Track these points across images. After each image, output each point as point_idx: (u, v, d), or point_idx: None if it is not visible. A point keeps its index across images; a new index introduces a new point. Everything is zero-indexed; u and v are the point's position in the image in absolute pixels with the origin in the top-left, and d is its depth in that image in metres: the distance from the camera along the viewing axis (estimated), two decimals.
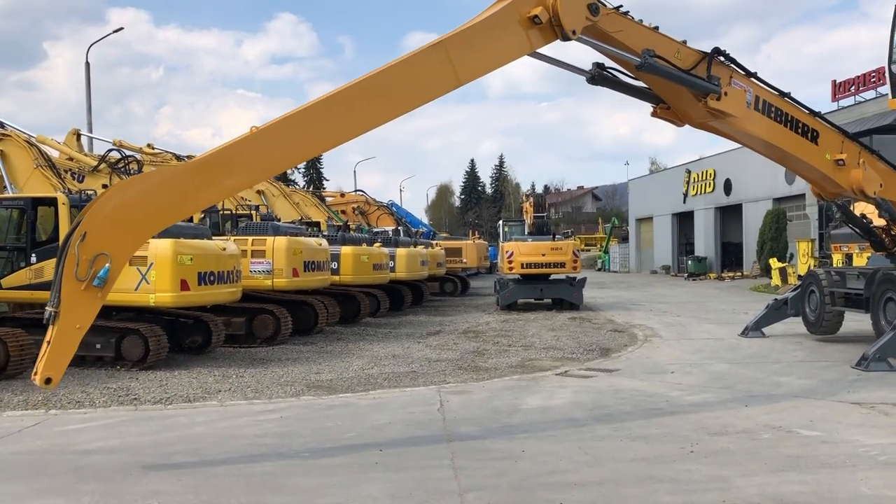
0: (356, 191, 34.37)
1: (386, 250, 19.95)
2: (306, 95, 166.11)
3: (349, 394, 9.66)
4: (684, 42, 9.42)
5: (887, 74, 12.21)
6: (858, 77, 33.06)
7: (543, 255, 21.52)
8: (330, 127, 6.92)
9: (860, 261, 19.13)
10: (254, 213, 18.04)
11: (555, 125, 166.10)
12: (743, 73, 10.23)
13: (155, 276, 11.32)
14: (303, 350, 13.78)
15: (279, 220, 17.52)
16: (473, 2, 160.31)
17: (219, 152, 6.62)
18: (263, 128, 6.69)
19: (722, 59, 9.71)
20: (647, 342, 14.61)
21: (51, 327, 5.97)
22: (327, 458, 6.71)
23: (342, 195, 33.57)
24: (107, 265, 5.97)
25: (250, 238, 14.77)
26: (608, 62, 9.09)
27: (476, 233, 44.46)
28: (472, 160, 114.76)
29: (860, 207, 13.37)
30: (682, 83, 9.17)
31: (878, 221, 12.89)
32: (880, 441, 6.91)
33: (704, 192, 48.31)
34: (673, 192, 52.74)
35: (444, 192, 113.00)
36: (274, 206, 21.59)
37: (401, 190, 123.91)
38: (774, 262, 31.66)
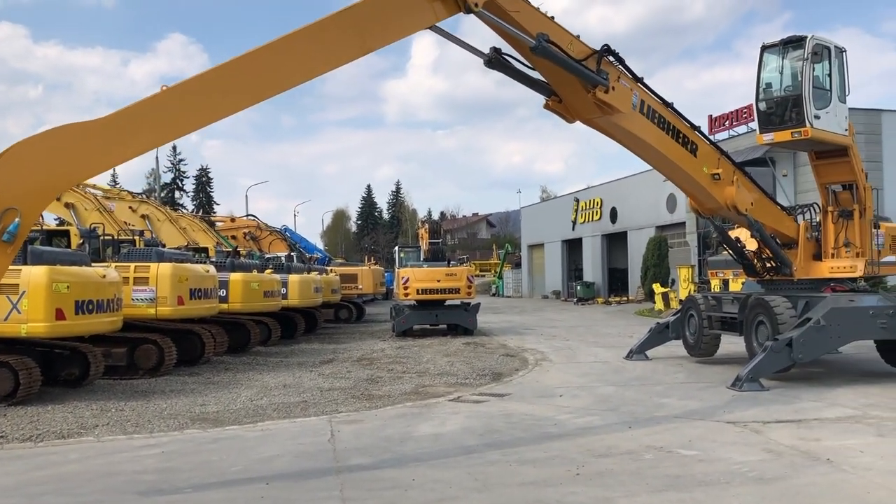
0: (248, 215, 33.62)
1: (277, 277, 19.56)
2: None
3: (236, 426, 9.36)
4: (577, 36, 9.92)
5: (755, 111, 13.01)
6: (732, 113, 35.11)
7: (439, 281, 21.67)
8: (242, 86, 6.86)
9: (736, 286, 20.24)
10: (137, 238, 17.34)
11: (451, 152, 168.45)
12: (630, 76, 10.82)
13: (27, 304, 10.66)
14: (188, 381, 13.28)
15: (164, 246, 16.90)
16: None
17: (129, 109, 6.43)
18: (175, 86, 6.57)
19: (612, 58, 10.27)
20: (537, 366, 14.89)
21: None
22: (211, 493, 6.47)
23: (233, 220, 32.74)
24: (16, 220, 5.85)
25: (133, 264, 14.15)
26: (506, 48, 9.46)
27: (372, 259, 44.25)
28: (369, 186, 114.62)
29: (736, 233, 14.19)
30: (572, 71, 9.59)
31: (751, 245, 13.72)
32: (751, 458, 7.28)
33: (592, 219, 49.99)
34: (562, 219, 54.32)
35: (340, 217, 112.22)
36: (159, 231, 20.83)
37: (295, 215, 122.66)
38: (657, 288, 33.04)
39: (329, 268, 30.31)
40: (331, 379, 13.49)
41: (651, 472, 6.85)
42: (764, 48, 12.82)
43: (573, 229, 52.94)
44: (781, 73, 12.59)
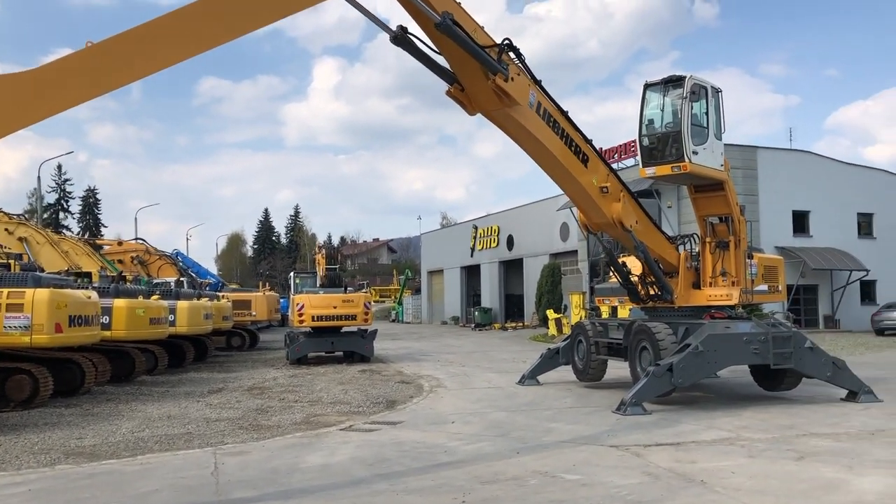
0: (136, 239, 32.33)
1: (165, 303, 18.86)
2: (86, 136, 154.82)
3: (113, 460, 8.93)
4: (482, 27, 10.27)
5: (638, 146, 13.63)
6: (621, 146, 36.62)
7: (335, 307, 21.45)
8: (164, 45, 6.62)
9: (624, 313, 20.99)
10: (13, 262, 16.36)
11: (352, 177, 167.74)
12: (529, 76, 11.22)
13: None
14: (64, 413, 12.59)
15: (42, 271, 16.01)
16: (269, 50, 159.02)
17: (50, 66, 6.22)
18: (98, 43, 6.34)
19: (512, 54, 10.62)
20: (432, 393, 14.94)
21: None
22: None
23: (120, 243, 31.37)
24: None
25: (5, 290, 13.32)
26: (412, 28, 9.67)
27: (267, 284, 43.36)
28: (267, 209, 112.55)
29: (623, 259, 14.73)
30: (474, 54, 9.89)
31: (636, 270, 14.27)
32: (631, 481, 7.53)
33: (490, 246, 50.87)
34: (462, 246, 55.03)
35: (235, 241, 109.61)
36: (38, 254, 19.75)
37: (188, 238, 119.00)
38: (551, 314, 33.85)
39: (221, 293, 29.49)
40: (218, 409, 13.09)
41: (535, 497, 6.98)
42: (646, 86, 13.50)
43: (472, 256, 53.68)
44: (662, 111, 13.27)
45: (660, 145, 13.24)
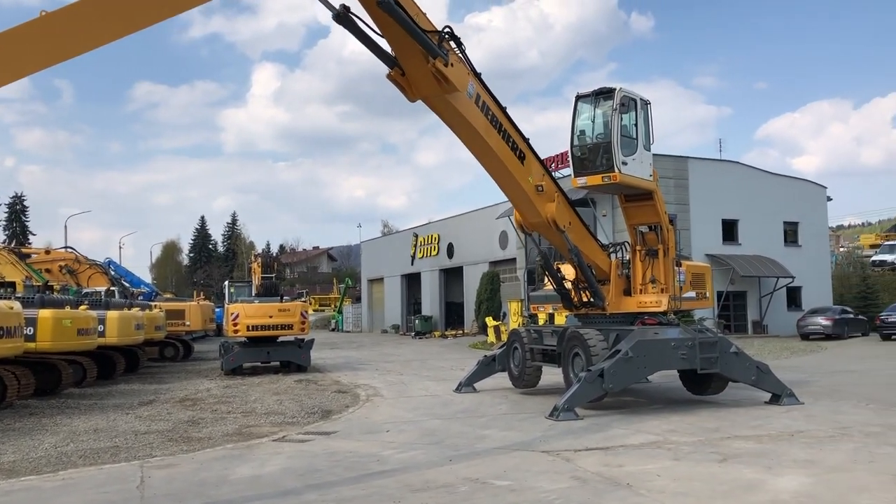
0: (65, 247, 31.37)
1: (94, 313, 18.33)
2: (13, 141, 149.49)
3: (34, 476, 8.64)
4: (425, 14, 10.38)
5: (570, 156, 13.88)
6: (558, 155, 37.17)
7: (271, 316, 21.19)
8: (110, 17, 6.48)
9: (560, 320, 21.30)
10: None
11: (292, 185, 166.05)
12: (469, 68, 11.37)
13: None
14: None
15: None
16: (207, 55, 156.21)
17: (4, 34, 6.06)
18: (53, 12, 6.26)
19: (453, 44, 10.78)
20: (368, 402, 14.88)
21: None
22: None
23: (48, 252, 30.41)
24: None
25: None
26: (356, 9, 9.72)
27: (202, 294, 42.52)
28: (203, 217, 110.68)
29: (559, 265, 14.94)
30: (415, 36, 9.99)
31: (570, 276, 14.50)
32: (560, 486, 7.65)
33: (430, 254, 50.96)
34: (402, 254, 54.98)
35: (171, 249, 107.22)
36: None
37: (120, 247, 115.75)
38: (490, 321, 34.10)
39: (154, 303, 28.82)
40: (148, 421, 12.79)
41: None
42: (578, 98, 13.77)
43: (412, 264, 53.68)
44: (593, 122, 13.56)
45: (591, 156, 13.51)
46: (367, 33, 10.13)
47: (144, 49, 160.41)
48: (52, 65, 6.49)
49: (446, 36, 10.70)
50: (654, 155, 14.40)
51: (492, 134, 11.92)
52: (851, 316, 35.17)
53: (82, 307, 17.92)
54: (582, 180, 13.60)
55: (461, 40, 11.04)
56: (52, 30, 6.24)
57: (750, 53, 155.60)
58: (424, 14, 10.52)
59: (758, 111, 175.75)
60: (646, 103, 13.96)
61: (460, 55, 11.15)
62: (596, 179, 13.35)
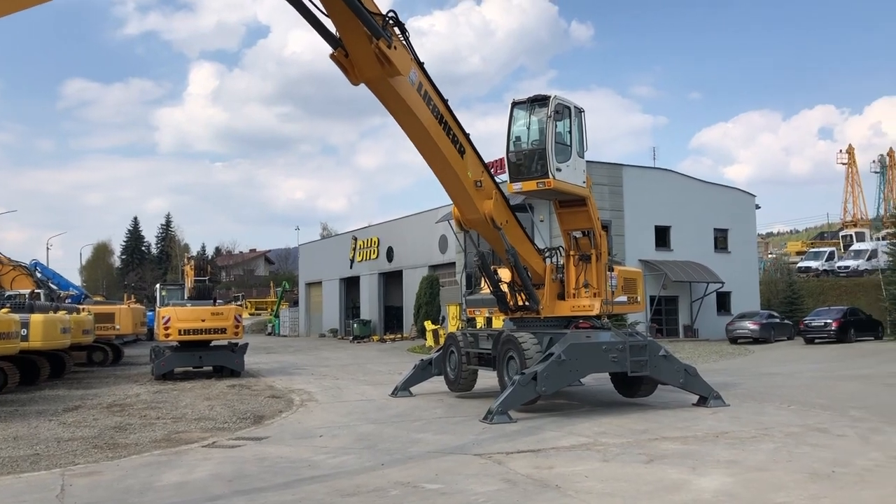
0: None
1: (17, 316, 17.66)
2: None
3: None
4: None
5: (506, 162, 14.01)
6: (497, 161, 37.45)
7: (203, 320, 20.78)
8: None
9: (499, 324, 21.43)
10: None
11: (230, 186, 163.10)
12: (412, 55, 11.44)
13: None
14: None
15: None
16: (142, 52, 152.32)
17: None
18: None
19: (397, 30, 10.90)
20: (302, 407, 14.74)
21: None
22: None
23: None
24: None
25: None
26: None
27: (133, 297, 41.42)
28: (136, 218, 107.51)
29: (495, 268, 15.06)
30: (359, 15, 10.06)
31: (507, 279, 14.63)
32: (489, 488, 7.71)
33: (370, 258, 50.71)
34: (341, 257, 54.55)
35: (102, 251, 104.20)
36: None
37: (48, 248, 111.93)
38: (429, 325, 34.16)
39: (83, 306, 27.95)
40: (73, 428, 12.40)
41: None
42: (514, 104, 13.93)
43: (351, 267, 53.31)
44: (529, 128, 13.74)
45: (526, 161, 13.68)
46: (312, 11, 10.21)
47: (77, 45, 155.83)
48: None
49: (390, 21, 10.83)
50: (588, 162, 14.68)
51: (432, 123, 12.07)
52: (778, 320, 36.42)
53: (3, 310, 17.28)
54: (517, 186, 13.76)
55: (405, 27, 11.22)
56: None
57: (685, 65, 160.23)
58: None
59: (692, 121, 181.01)
60: (580, 111, 14.20)
61: (404, 42, 11.27)
62: (531, 185, 13.53)
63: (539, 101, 13.66)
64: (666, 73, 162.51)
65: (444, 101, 12.41)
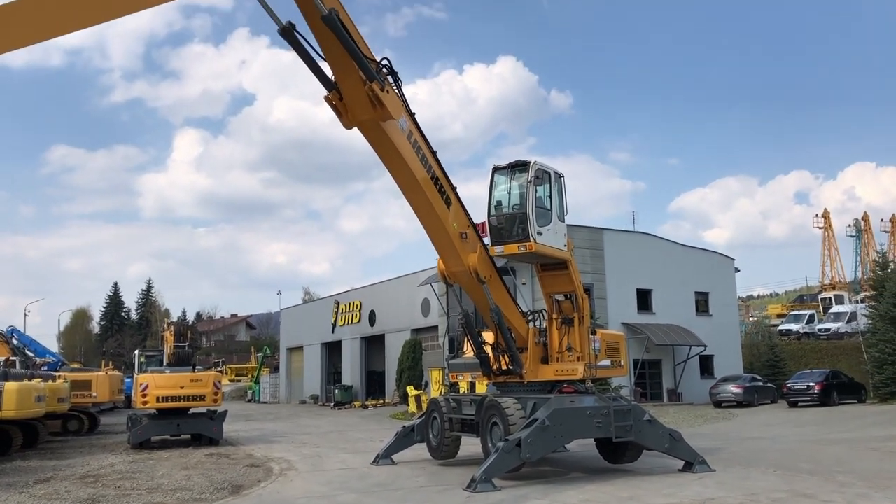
0: None
1: None
2: None
3: None
4: (365, 42, 10.94)
5: (487, 226, 14.13)
6: (480, 224, 37.77)
7: (182, 387, 20.44)
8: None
9: (482, 389, 21.23)
10: None
11: (212, 251, 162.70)
12: (404, 103, 11.78)
13: None
14: None
15: None
16: (127, 119, 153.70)
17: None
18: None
19: (391, 78, 11.25)
20: (281, 476, 14.41)
21: None
22: None
23: None
24: None
25: None
26: (301, 26, 10.31)
27: (110, 363, 40.76)
28: (116, 284, 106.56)
29: (479, 331, 14.99)
30: (354, 56, 10.43)
31: (490, 339, 14.57)
32: None
33: (352, 322, 50.40)
34: (323, 322, 54.16)
35: (81, 317, 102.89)
36: None
37: (26, 314, 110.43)
38: (411, 390, 33.76)
39: (59, 373, 27.42)
40: (43, 501, 12.02)
41: None
42: (495, 169, 14.16)
43: (333, 332, 52.90)
44: (510, 193, 13.93)
45: (507, 225, 13.82)
46: (309, 52, 10.58)
47: (63, 112, 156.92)
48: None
49: (384, 68, 11.21)
50: (569, 226, 14.84)
51: (420, 171, 12.30)
52: (761, 383, 36.38)
53: None
54: (499, 249, 13.86)
55: (398, 76, 11.57)
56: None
57: (662, 132, 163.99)
58: (365, 42, 11.02)
59: (670, 186, 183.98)
60: (560, 176, 14.43)
61: (396, 90, 11.58)
62: (512, 248, 13.63)
63: (519, 167, 13.88)
64: (643, 140, 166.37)
65: (433, 153, 12.72)
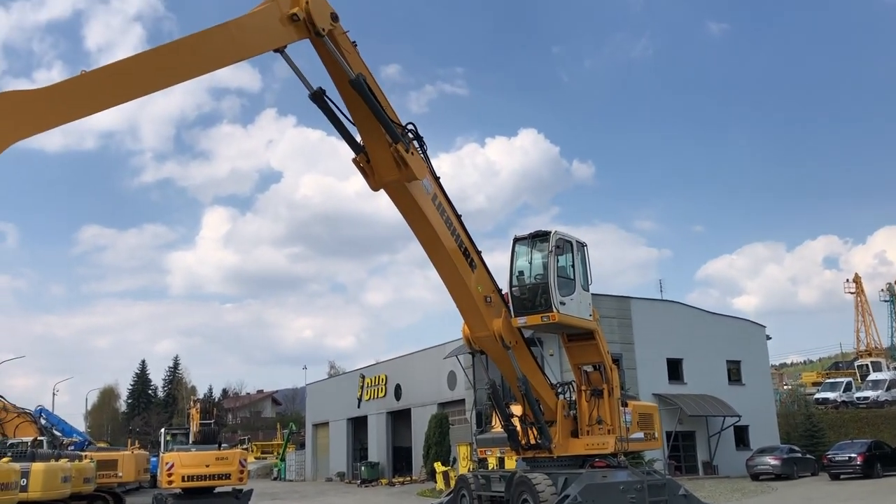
0: None
1: (17, 466, 17.22)
2: None
3: None
4: (391, 106, 11.42)
5: (510, 297, 14.06)
6: (505, 294, 37.69)
7: (208, 465, 20.26)
8: (142, 77, 8.19)
9: (511, 464, 20.81)
10: None
11: (238, 326, 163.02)
12: (429, 167, 12.12)
13: None
14: None
15: None
16: (157, 198, 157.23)
17: (55, 86, 7.75)
18: (90, 71, 7.91)
19: (415, 140, 11.76)
20: None
21: None
22: None
23: None
24: None
25: None
26: (330, 92, 11.00)
27: (137, 442, 40.57)
28: (144, 361, 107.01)
29: (507, 403, 14.76)
30: (378, 117, 10.92)
31: (518, 411, 14.31)
32: None
33: (377, 396, 49.89)
34: (349, 396, 53.69)
35: (108, 395, 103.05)
36: None
37: (54, 393, 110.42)
38: (439, 466, 33.11)
39: (86, 453, 27.32)
40: None
41: None
42: (516, 240, 14.20)
43: (359, 407, 52.33)
44: (531, 263, 13.95)
45: (530, 296, 13.77)
46: (338, 116, 11.14)
47: (95, 193, 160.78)
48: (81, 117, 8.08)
49: (409, 133, 11.62)
50: (595, 295, 14.75)
51: (444, 232, 12.49)
52: (800, 455, 35.20)
53: (5, 459, 16.91)
54: (522, 320, 13.75)
55: (423, 140, 12.03)
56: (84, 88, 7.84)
57: (686, 199, 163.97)
58: (391, 106, 11.46)
59: (696, 253, 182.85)
60: (582, 245, 14.42)
61: (421, 153, 11.99)
62: (535, 319, 13.53)
63: (540, 237, 13.92)
64: (667, 207, 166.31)
65: (458, 216, 12.99)
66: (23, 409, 29.41)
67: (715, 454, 38.08)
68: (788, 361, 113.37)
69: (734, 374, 40.96)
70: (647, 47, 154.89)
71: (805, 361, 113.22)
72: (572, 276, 14.03)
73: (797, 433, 42.77)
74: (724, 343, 40.23)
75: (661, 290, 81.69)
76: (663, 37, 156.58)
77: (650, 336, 36.95)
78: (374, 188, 11.77)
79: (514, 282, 14.06)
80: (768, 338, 43.94)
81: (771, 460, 33.57)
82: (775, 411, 44.03)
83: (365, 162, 11.65)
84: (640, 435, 15.07)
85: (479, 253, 13.31)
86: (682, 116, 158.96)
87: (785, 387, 70.05)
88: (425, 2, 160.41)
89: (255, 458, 71.32)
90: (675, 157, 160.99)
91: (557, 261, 13.62)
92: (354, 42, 10.97)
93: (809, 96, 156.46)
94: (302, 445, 63.35)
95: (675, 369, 38.33)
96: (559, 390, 15.03)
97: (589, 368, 14.80)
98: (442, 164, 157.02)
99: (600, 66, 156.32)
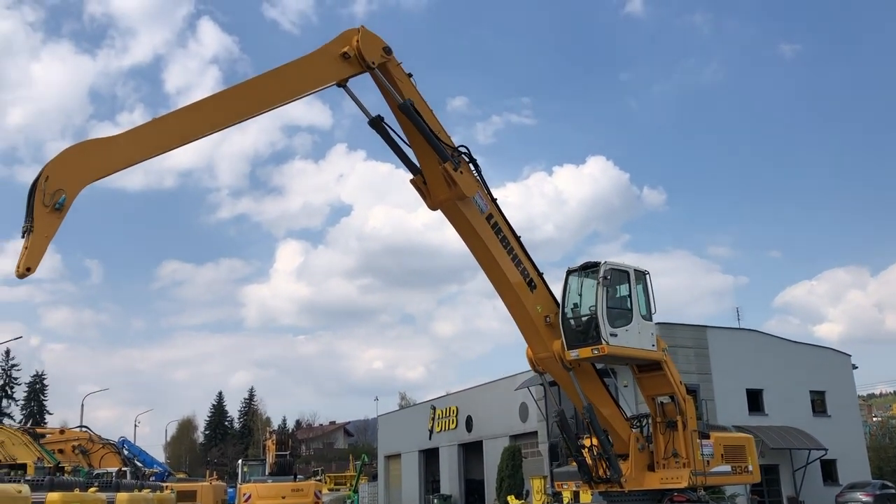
0: (80, 427, 31.08)
1: (103, 496, 17.75)
2: (40, 320, 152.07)
3: None
4: (445, 131, 12.10)
5: (562, 329, 13.58)
6: None
7: (283, 497, 20.66)
8: (213, 115, 9.85)
9: (586, 498, 20.40)
10: None
11: (311, 358, 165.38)
12: (486, 189, 12.51)
13: None
14: None
15: None
16: (233, 234, 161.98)
17: (132, 132, 9.31)
18: (162, 116, 9.74)
19: (470, 163, 12.35)
20: None
21: (27, 236, 8.16)
22: None
23: (62, 432, 30.06)
24: (63, 196, 8.44)
25: None
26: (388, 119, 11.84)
27: (215, 473, 41.42)
28: (220, 393, 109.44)
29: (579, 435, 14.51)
30: (427, 138, 11.59)
31: (587, 442, 14.04)
32: None
33: (448, 428, 49.72)
34: (420, 428, 53.70)
35: (186, 427, 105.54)
36: None
37: (136, 425, 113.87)
38: (512, 500, 32.71)
39: (166, 483, 28.05)
40: None
41: None
42: (568, 272, 14.00)
43: (430, 438, 52.27)
44: (581, 295, 13.77)
45: (583, 328, 13.53)
46: (395, 140, 11.87)
47: (174, 230, 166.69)
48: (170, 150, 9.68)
49: (462, 154, 12.10)
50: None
51: (499, 250, 12.70)
52: (893, 491, 33.43)
53: (92, 489, 17.47)
54: (574, 353, 13.44)
55: (477, 162, 12.52)
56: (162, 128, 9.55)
57: (761, 224, 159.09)
58: (443, 129, 12.01)
59: (774, 280, 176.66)
60: (643, 274, 14.14)
61: (475, 173, 12.48)
62: (586, 352, 13.29)
63: (591, 268, 13.77)
64: (742, 233, 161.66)
65: (517, 237, 13.18)
66: (107, 440, 30.52)
67: (801, 489, 36.48)
68: (877, 392, 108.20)
69: (819, 405, 39.30)
70: (717, 71, 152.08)
71: (895, 392, 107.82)
72: (628, 307, 13.72)
73: (890, 468, 40.69)
74: (806, 373, 38.70)
75: (739, 319, 79.16)
76: (734, 61, 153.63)
77: (728, 366, 35.85)
78: (431, 207, 12.43)
79: (568, 314, 13.80)
80: (854, 367, 42.09)
81: (862, 496, 31.98)
82: (865, 444, 41.96)
83: (422, 183, 12.38)
84: (727, 468, 14.57)
85: (540, 274, 13.41)
86: (755, 140, 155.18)
87: (874, 419, 66.78)
88: (490, 32, 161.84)
89: (329, 489, 71.74)
90: (749, 182, 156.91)
91: (608, 292, 13.40)
92: (410, 73, 11.76)
93: (889, 114, 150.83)
94: (374, 477, 63.51)
95: (755, 400, 37.02)
96: (635, 423, 14.71)
97: (665, 399, 14.45)
98: (509, 193, 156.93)
99: (670, 92, 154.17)
